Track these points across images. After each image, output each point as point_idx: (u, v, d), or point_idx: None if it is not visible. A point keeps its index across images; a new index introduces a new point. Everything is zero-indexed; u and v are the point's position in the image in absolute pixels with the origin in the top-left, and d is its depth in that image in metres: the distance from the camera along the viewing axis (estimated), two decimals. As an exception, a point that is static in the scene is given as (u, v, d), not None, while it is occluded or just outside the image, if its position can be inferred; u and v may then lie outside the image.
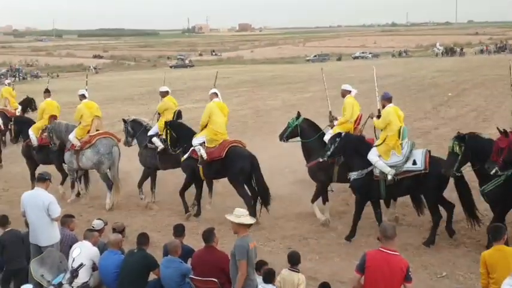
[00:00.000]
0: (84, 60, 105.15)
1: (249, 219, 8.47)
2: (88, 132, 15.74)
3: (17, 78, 72.27)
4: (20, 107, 24.83)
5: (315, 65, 76.82)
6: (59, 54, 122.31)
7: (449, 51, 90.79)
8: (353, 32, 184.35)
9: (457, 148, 11.18)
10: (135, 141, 16.02)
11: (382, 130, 12.43)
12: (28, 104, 25.74)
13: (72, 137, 15.64)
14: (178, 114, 15.52)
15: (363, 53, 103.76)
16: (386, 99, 12.71)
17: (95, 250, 9.40)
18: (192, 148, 14.07)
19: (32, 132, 16.82)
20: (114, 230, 10.12)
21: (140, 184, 15.72)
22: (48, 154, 16.63)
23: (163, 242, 10.47)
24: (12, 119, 19.52)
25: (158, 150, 15.09)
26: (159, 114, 15.75)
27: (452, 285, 10.19)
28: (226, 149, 13.73)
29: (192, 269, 8.97)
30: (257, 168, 13.79)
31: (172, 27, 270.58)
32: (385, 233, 7.16)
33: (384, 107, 12.66)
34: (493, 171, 10.57)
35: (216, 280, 8.71)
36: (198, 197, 14.56)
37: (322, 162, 13.11)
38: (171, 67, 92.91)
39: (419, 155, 11.95)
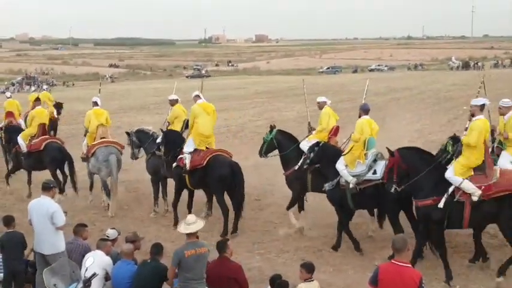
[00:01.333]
0: (99, 69, 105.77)
1: (194, 228, 8.62)
2: (94, 139, 16.06)
3: (32, 87, 72.72)
4: (55, 110, 24.90)
5: (329, 77, 77.02)
6: (74, 63, 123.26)
7: (464, 65, 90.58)
8: (369, 45, 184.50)
9: (449, 146, 11.39)
10: (142, 152, 16.05)
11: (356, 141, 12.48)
12: (58, 107, 26.13)
13: (83, 144, 16.31)
14: (187, 123, 15.14)
15: (378, 65, 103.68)
16: (364, 110, 12.87)
17: (108, 259, 9.35)
18: (180, 156, 14.15)
19: (21, 139, 17.05)
20: (128, 240, 10.09)
21: (155, 197, 15.79)
22: (37, 160, 16.82)
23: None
24: (3, 128, 19.68)
25: (164, 157, 14.95)
26: (168, 123, 15.79)
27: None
28: (208, 157, 13.77)
29: (206, 280, 8.90)
30: (238, 176, 13.75)
31: (189, 37, 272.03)
32: (395, 246, 7.14)
33: (359, 116, 12.81)
34: (392, 189, 11.04)
35: (228, 291, 8.69)
36: (188, 206, 14.48)
37: (298, 171, 13.51)
38: (187, 77, 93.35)
39: (381, 165, 11.96)
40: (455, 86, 54.06)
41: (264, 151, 14.43)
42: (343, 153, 12.60)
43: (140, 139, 15.99)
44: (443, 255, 10.92)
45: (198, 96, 14.46)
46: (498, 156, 11.82)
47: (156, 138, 15.47)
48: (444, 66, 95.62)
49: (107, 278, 9.25)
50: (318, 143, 12.99)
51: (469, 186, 10.46)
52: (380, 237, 13.01)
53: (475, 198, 10.38)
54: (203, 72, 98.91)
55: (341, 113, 34.98)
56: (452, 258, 11.63)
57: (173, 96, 16.11)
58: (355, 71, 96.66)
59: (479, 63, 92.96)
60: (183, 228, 8.71)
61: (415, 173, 10.99)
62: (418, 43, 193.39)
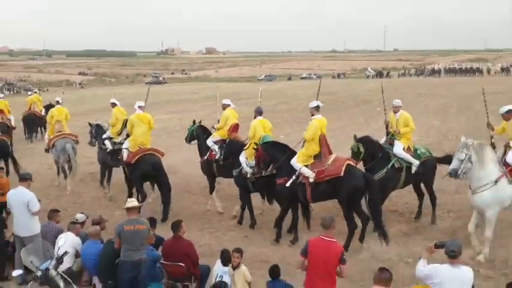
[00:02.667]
0: (70, 77, 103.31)
1: (129, 204, 8.70)
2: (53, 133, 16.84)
3: (10, 92, 71.41)
4: (44, 110, 25.66)
5: (267, 84, 77.20)
6: (48, 71, 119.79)
7: (378, 74, 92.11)
8: (301, 57, 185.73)
9: (361, 148, 11.86)
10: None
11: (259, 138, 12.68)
12: (49, 107, 26.18)
13: (45, 136, 17.25)
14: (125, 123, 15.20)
15: (309, 74, 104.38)
16: (258, 112, 13.12)
17: (77, 240, 9.32)
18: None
19: None
20: (94, 222, 9.97)
21: (101, 181, 16.09)
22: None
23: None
24: None
25: (108, 151, 15.33)
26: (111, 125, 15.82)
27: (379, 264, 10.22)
28: (137, 156, 13.71)
29: (163, 256, 8.95)
30: (159, 171, 13.73)
31: (148, 49, 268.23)
32: (324, 223, 7.29)
33: (255, 118, 13.03)
34: (263, 173, 12.06)
35: (183, 264, 8.70)
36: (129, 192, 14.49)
37: (207, 161, 14.01)
38: (146, 83, 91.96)
39: None
40: (371, 91, 54.74)
41: (188, 138, 14.88)
42: (245, 147, 12.80)
43: (96, 132, 16.22)
44: (280, 219, 11.90)
45: (138, 107, 14.30)
46: (391, 145, 12.47)
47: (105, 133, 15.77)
48: (362, 75, 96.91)
49: (77, 255, 9.23)
50: (224, 141, 13.48)
51: (305, 171, 11.23)
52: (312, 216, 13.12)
53: (311, 180, 11.12)
54: (161, 79, 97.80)
55: (278, 113, 35.64)
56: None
57: (112, 100, 16.25)
58: (289, 79, 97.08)
59: (390, 73, 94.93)
60: (126, 204, 8.79)
61: (276, 160, 11.73)
62: (341, 56, 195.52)
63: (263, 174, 12.07)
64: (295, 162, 11.39)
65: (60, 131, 16.77)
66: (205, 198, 14.84)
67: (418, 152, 12.53)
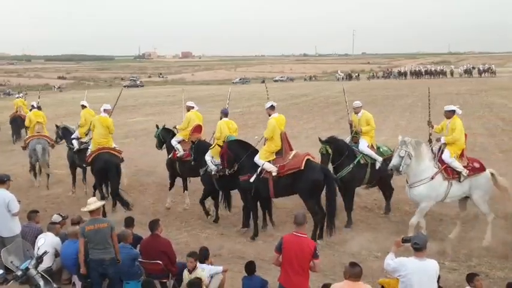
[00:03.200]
0: (49, 81, 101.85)
1: (91, 207, 8.63)
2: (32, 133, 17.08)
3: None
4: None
5: (242, 86, 77.24)
6: (28, 76, 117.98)
7: (348, 77, 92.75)
8: (274, 61, 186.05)
9: (328, 149, 11.97)
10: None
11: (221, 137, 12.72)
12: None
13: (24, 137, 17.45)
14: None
15: (281, 77, 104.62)
16: (224, 113, 13.22)
17: (57, 240, 9.24)
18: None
19: None
20: (73, 222, 9.85)
21: (73, 181, 16.09)
22: None
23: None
24: None
25: (74, 150, 15.49)
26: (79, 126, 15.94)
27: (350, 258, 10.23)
28: (94, 154, 13.87)
29: (141, 254, 8.86)
30: (111, 170, 13.77)
31: (125, 54, 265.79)
32: (297, 220, 7.26)
33: (221, 118, 13.14)
34: (227, 172, 12.05)
35: (160, 262, 8.62)
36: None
37: (170, 159, 14.26)
38: (124, 87, 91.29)
39: None
40: (341, 93, 55.05)
41: (158, 145, 15.13)
42: (211, 147, 12.91)
43: (63, 133, 16.44)
44: (248, 214, 12.15)
45: (105, 110, 14.41)
46: (356, 143, 12.75)
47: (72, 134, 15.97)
48: (332, 78, 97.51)
49: (56, 255, 9.14)
50: (193, 142, 13.45)
51: (268, 166, 11.44)
52: (283, 213, 13.15)
53: (274, 174, 11.33)
54: (138, 82, 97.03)
55: (253, 114, 35.68)
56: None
57: (82, 102, 16.53)
58: (263, 82, 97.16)
59: (359, 75, 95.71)
60: (85, 208, 8.73)
61: (239, 158, 11.87)
62: (312, 59, 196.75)
63: (227, 173, 12.13)
64: (258, 158, 11.61)
65: (38, 132, 16.96)
66: (182, 197, 14.77)
67: (381, 149, 12.79)
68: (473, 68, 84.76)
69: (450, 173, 11.00)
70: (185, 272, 8.32)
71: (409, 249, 6.54)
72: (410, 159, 10.71)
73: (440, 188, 10.96)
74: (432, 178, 10.85)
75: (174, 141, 14.16)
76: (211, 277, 8.45)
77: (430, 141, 11.71)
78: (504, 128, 26.08)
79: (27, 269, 8.10)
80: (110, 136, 14.19)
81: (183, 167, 13.99)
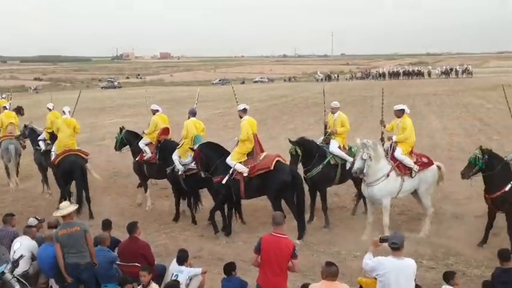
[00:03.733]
0: (25, 82, 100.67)
1: (64, 212, 8.54)
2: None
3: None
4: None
5: (223, 87, 77.15)
6: (3, 77, 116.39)
7: (327, 78, 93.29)
8: (254, 61, 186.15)
9: (298, 150, 12.14)
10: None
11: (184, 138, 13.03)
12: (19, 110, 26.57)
13: None
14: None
15: (261, 78, 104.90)
16: (192, 113, 13.41)
17: (33, 243, 9.12)
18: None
19: None
20: (50, 225, 9.74)
21: (43, 180, 16.32)
22: None
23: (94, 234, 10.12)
24: None
25: (41, 151, 15.60)
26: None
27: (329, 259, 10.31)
28: (60, 157, 13.95)
29: (119, 256, 8.83)
30: (76, 170, 13.78)
31: (103, 55, 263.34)
32: (275, 220, 7.29)
33: (188, 118, 13.34)
34: (203, 174, 12.19)
35: (138, 265, 8.53)
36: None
37: (137, 162, 14.40)
38: (102, 88, 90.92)
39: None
40: (320, 94, 55.31)
41: (118, 147, 15.11)
42: (178, 147, 13.08)
43: (29, 134, 16.58)
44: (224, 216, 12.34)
45: (63, 112, 14.62)
46: (328, 144, 12.91)
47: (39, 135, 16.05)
48: (311, 79, 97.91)
49: (33, 258, 9.02)
50: (159, 141, 13.79)
51: (240, 167, 11.65)
52: (264, 215, 13.18)
53: (245, 175, 11.55)
54: (116, 83, 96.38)
55: (231, 116, 35.54)
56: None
57: (48, 105, 16.61)
58: (242, 83, 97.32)
59: (339, 76, 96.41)
60: (57, 213, 8.66)
61: (212, 161, 12.05)
62: (292, 60, 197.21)
63: (203, 175, 12.26)
64: (230, 160, 11.82)
65: (11, 133, 17.11)
66: (162, 199, 14.73)
67: (352, 150, 12.90)
68: (451, 69, 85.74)
69: (402, 170, 11.45)
70: None
71: (387, 248, 6.61)
72: (371, 160, 11.06)
73: (395, 184, 11.40)
74: (388, 175, 11.29)
75: (141, 144, 14.27)
76: (190, 279, 8.45)
77: (382, 139, 12.14)
78: (481, 128, 26.43)
79: (2, 273, 7.98)
80: (75, 138, 14.39)
81: (151, 169, 14.11)
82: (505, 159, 10.85)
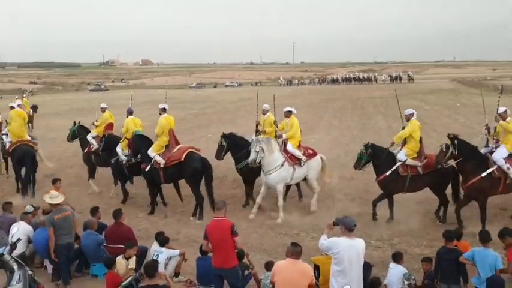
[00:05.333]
0: (22, 85, 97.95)
1: (56, 200, 8.61)
2: None
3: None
4: (31, 110, 26.49)
5: (197, 91, 76.71)
6: (1, 81, 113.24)
7: (289, 83, 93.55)
8: (224, 68, 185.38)
9: (224, 142, 12.71)
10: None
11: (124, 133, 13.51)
12: (35, 108, 27.66)
13: None
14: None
15: (231, 82, 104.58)
16: (129, 112, 13.97)
17: (29, 228, 9.08)
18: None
19: None
20: (44, 212, 9.59)
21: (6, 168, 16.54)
22: None
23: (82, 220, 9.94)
24: None
25: (4, 143, 15.62)
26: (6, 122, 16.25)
27: (290, 240, 10.32)
28: (14, 146, 14.15)
29: (105, 239, 8.76)
30: (26, 159, 13.96)
31: (91, 61, 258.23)
32: (217, 206, 7.50)
33: (127, 116, 13.80)
34: (133, 160, 12.96)
35: (123, 246, 8.46)
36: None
37: (86, 153, 14.73)
38: (90, 91, 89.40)
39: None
40: (283, 97, 55.70)
41: (70, 138, 15.49)
42: (120, 141, 13.46)
43: None
44: (152, 200, 12.85)
45: (11, 108, 15.00)
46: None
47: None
48: (275, 83, 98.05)
49: (29, 241, 9.00)
50: (104, 135, 14.21)
51: (158, 158, 12.25)
52: (233, 202, 13.15)
53: (162, 166, 12.17)
54: (102, 87, 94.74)
55: (206, 115, 35.52)
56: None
57: (11, 104, 16.87)
58: (215, 87, 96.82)
59: (299, 82, 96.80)
60: (48, 199, 8.64)
61: (140, 149, 12.62)
62: (258, 67, 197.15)
63: (133, 161, 12.97)
64: (151, 151, 12.37)
65: None
66: (144, 189, 14.58)
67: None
68: (401, 76, 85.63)
69: (293, 160, 12.15)
70: (119, 258, 8.11)
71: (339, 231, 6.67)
72: (264, 153, 11.63)
73: (287, 172, 12.06)
74: (282, 165, 11.93)
75: (89, 137, 14.59)
76: (170, 258, 8.41)
77: (275, 136, 12.69)
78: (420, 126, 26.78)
79: (2, 254, 7.81)
80: (25, 128, 14.66)
81: (98, 159, 14.41)
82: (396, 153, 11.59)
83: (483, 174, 10.59)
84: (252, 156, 11.68)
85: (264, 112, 13.66)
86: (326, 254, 6.89)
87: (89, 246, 8.69)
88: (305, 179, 12.68)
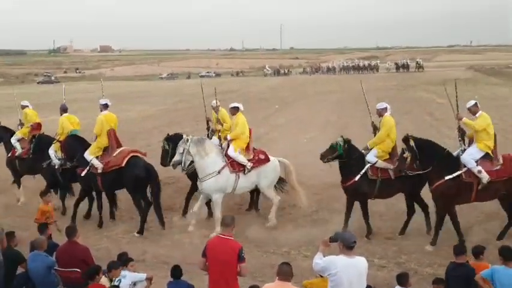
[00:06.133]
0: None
1: None
2: None
3: None
4: None
5: (169, 82, 76.53)
6: None
7: (276, 72, 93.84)
8: (199, 55, 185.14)
9: (166, 145, 12.95)
10: None
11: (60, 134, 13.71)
12: None
13: None
14: None
15: (207, 72, 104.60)
16: (63, 109, 14.12)
17: None
18: None
19: None
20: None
21: None
22: None
23: (30, 239, 9.85)
24: None
25: None
26: None
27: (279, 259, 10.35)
28: None
29: (57, 262, 8.64)
30: None
31: (39, 48, 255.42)
32: (224, 222, 7.33)
33: (61, 115, 14.04)
34: (67, 164, 13.24)
35: (78, 270, 8.37)
36: None
37: (9, 157, 14.93)
38: (38, 83, 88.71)
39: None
40: (269, 89, 55.95)
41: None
42: (54, 142, 13.75)
43: None
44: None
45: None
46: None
47: None
48: (260, 73, 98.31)
49: None
50: (34, 136, 14.44)
51: (95, 162, 12.45)
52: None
53: (99, 171, 12.37)
54: (53, 78, 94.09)
55: (179, 112, 35.45)
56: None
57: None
58: (188, 77, 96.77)
59: (287, 70, 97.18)
60: None
61: (76, 152, 12.83)
62: (239, 54, 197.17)
63: (68, 165, 13.14)
64: (88, 154, 12.57)
65: None
66: (104, 201, 14.46)
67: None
68: (408, 64, 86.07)
69: (236, 167, 12.23)
70: (103, 278, 8.05)
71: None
72: (191, 155, 11.89)
73: (228, 180, 12.17)
74: (219, 172, 12.02)
75: (13, 140, 14.72)
76: (134, 284, 8.34)
77: (220, 138, 12.91)
78: (432, 123, 27.12)
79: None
80: None
81: (22, 165, 14.56)
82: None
83: (447, 177, 10.62)
84: (176, 157, 12.00)
85: (215, 109, 13.75)
86: (322, 276, 6.88)
87: (37, 270, 8.54)
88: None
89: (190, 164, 12.12)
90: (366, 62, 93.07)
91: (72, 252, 8.57)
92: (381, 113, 12.21)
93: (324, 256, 6.59)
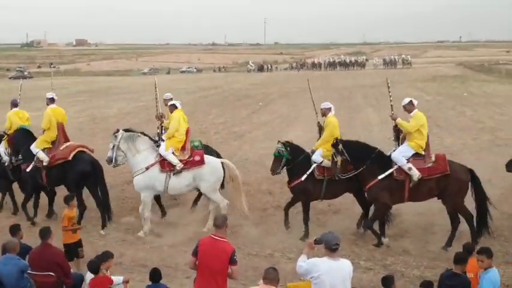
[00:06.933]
0: None
1: None
2: None
3: None
4: None
5: (148, 78, 76.05)
6: None
7: (260, 68, 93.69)
8: (180, 49, 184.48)
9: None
10: None
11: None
12: None
13: None
14: None
15: (189, 67, 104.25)
16: (13, 104, 14.14)
17: None
18: None
19: None
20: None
21: None
22: None
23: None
24: None
25: None
26: None
27: (262, 261, 10.40)
28: None
29: (30, 265, 8.55)
30: None
31: (11, 41, 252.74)
32: (216, 223, 7.32)
33: (11, 109, 13.98)
34: (13, 159, 13.35)
35: (53, 274, 8.35)
36: None
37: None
38: (10, 78, 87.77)
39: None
40: (253, 85, 55.89)
41: None
42: (3, 138, 13.71)
43: None
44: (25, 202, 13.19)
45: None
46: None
47: None
48: (243, 69, 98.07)
49: None
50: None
51: (41, 155, 12.58)
52: (193, 217, 13.12)
53: (45, 164, 12.52)
54: (26, 73, 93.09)
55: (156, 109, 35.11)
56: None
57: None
58: (168, 73, 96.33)
59: (271, 66, 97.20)
60: None
61: (21, 147, 13.03)
62: (222, 49, 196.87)
63: (13, 161, 13.29)
64: (34, 146, 12.70)
65: None
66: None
67: (192, 144, 13.00)
68: (395, 60, 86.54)
69: (167, 166, 12.21)
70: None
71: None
72: (122, 152, 12.18)
73: (157, 179, 12.20)
74: (147, 169, 12.11)
75: None
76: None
77: (158, 134, 13.28)
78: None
79: None
80: None
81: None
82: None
83: (380, 177, 10.95)
84: (109, 154, 12.29)
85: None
86: (305, 279, 6.91)
87: (9, 274, 8.43)
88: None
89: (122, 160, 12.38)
90: (353, 58, 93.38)
91: (46, 255, 8.50)
92: (325, 112, 12.46)
93: (308, 258, 6.62)
